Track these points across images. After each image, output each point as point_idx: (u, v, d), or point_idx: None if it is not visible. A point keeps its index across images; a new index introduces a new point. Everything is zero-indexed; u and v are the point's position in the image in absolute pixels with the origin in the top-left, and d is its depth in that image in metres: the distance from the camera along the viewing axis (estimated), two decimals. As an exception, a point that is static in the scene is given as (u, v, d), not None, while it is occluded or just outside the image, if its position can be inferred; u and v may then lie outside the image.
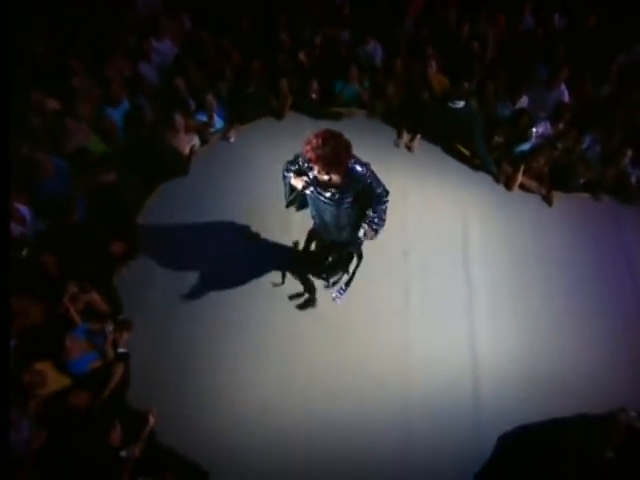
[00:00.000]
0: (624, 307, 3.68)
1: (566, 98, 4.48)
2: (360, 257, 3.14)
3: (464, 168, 4.28)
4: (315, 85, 4.44)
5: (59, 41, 4.10)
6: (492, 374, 3.28)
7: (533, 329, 3.50)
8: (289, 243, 3.62)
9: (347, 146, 2.26)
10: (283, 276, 3.50)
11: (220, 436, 2.94)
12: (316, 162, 2.22)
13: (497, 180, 4.22)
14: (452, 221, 3.95)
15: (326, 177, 2.32)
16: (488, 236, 3.91)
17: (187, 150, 4.08)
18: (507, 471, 2.83)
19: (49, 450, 2.57)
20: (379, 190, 2.47)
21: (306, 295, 3.46)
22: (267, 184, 3.85)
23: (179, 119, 3.95)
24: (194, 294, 3.43)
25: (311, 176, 2.42)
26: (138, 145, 3.78)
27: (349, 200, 2.50)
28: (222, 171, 4.09)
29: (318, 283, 3.51)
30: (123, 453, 2.55)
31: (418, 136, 4.38)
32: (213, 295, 3.44)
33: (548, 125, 4.31)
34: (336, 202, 2.51)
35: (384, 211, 2.57)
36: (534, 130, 4.18)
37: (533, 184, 4.18)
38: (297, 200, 2.73)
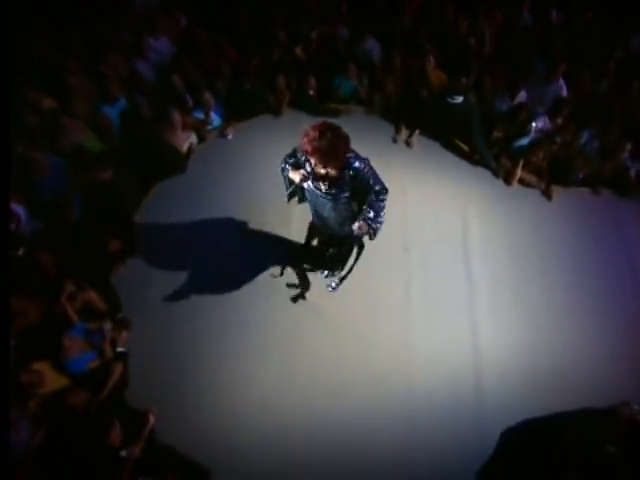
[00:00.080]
0: (624, 301, 3.67)
1: (564, 93, 4.48)
2: (361, 247, 3.08)
3: (463, 163, 4.27)
4: (312, 82, 4.43)
5: (55, 39, 4.07)
6: (494, 369, 3.27)
7: (534, 324, 3.49)
8: (288, 239, 3.60)
9: (345, 140, 2.24)
10: (282, 270, 3.48)
11: (221, 435, 2.91)
12: (313, 154, 2.19)
13: (496, 175, 4.21)
14: (452, 216, 3.94)
15: (323, 170, 2.29)
16: (488, 231, 3.90)
17: (185, 148, 4.06)
18: (510, 467, 2.82)
19: (49, 450, 2.55)
20: (377, 187, 2.44)
21: (299, 290, 3.44)
22: (265, 181, 3.84)
23: (176, 116, 3.93)
24: (193, 292, 3.40)
25: (309, 169, 2.40)
26: (135, 143, 3.76)
27: (347, 195, 2.47)
28: (220, 169, 4.06)
29: (318, 281, 3.49)
30: (123, 453, 2.53)
31: (417, 132, 4.37)
32: (212, 293, 3.42)
33: (547, 120, 4.31)
34: (334, 196, 2.48)
35: (382, 208, 2.49)
36: (533, 124, 4.16)
37: (532, 179, 4.17)
38: (297, 193, 2.70)
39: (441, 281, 3.60)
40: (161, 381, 3.04)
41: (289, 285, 3.45)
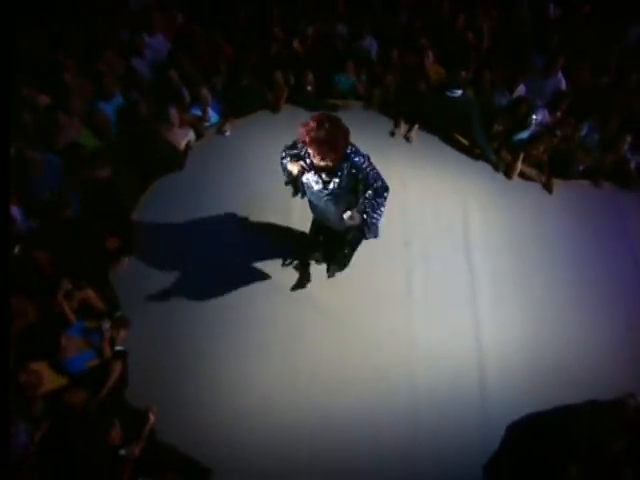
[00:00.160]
0: (626, 293, 3.65)
1: (563, 86, 4.46)
2: (360, 240, 2.95)
3: (463, 157, 4.25)
4: (310, 77, 4.40)
5: (50, 36, 4.03)
6: (497, 364, 3.24)
7: (537, 317, 3.46)
8: (289, 235, 3.57)
9: (344, 132, 2.20)
10: (284, 262, 3.46)
11: (221, 433, 2.88)
12: (310, 145, 2.16)
13: (497, 169, 4.19)
14: (452, 210, 3.92)
15: (322, 163, 2.25)
16: (489, 225, 3.88)
17: (182, 145, 4.03)
18: (516, 461, 2.78)
19: (48, 450, 2.51)
20: (377, 184, 2.39)
21: (298, 283, 3.41)
22: (264, 178, 3.81)
23: (174, 113, 3.91)
24: (192, 290, 3.37)
25: (308, 162, 2.36)
26: (133, 140, 3.73)
27: (345, 189, 2.43)
28: (218, 165, 4.03)
29: (319, 276, 3.45)
30: (122, 452, 2.49)
31: (416, 126, 4.35)
32: (212, 291, 3.38)
33: (546, 113, 4.29)
34: (332, 190, 2.45)
35: (379, 205, 2.38)
36: (534, 117, 4.15)
37: (533, 172, 4.15)
38: (295, 186, 2.65)
39: (442, 276, 3.58)
40: (161, 380, 3.00)
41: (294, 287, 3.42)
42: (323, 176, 2.40)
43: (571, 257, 3.79)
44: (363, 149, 2.39)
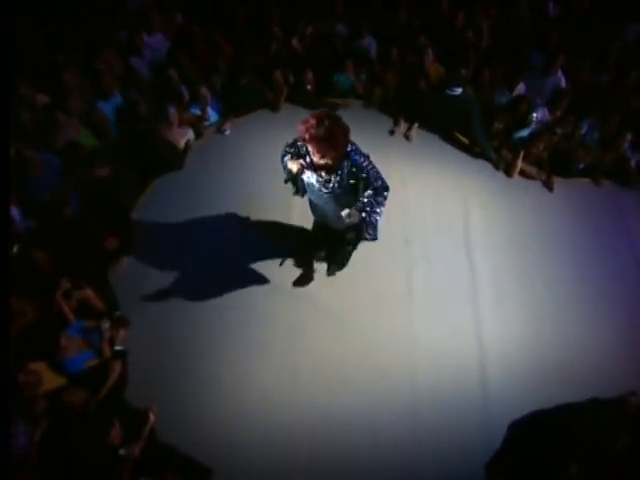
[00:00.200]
0: (627, 291, 3.64)
1: (563, 84, 4.46)
2: (358, 240, 2.92)
3: (463, 156, 4.25)
4: (310, 76, 4.39)
5: (49, 36, 4.02)
6: (499, 362, 3.22)
7: (538, 316, 3.45)
8: (289, 234, 3.56)
9: (344, 130, 2.19)
10: (283, 261, 3.45)
11: (221, 432, 2.86)
12: (309, 142, 2.15)
13: (497, 167, 4.18)
14: (453, 209, 3.91)
15: (322, 161, 2.24)
16: (490, 223, 3.87)
17: (182, 144, 4.02)
18: (518, 460, 2.77)
19: (48, 450, 2.49)
20: (377, 183, 2.37)
21: (298, 281, 3.41)
22: (264, 177, 3.80)
23: (173, 112, 3.90)
24: (192, 289, 3.35)
25: (308, 160, 2.35)
26: (132, 139, 3.72)
27: (346, 188, 2.42)
28: (218, 164, 4.02)
29: (319, 275, 3.44)
30: (121, 451, 2.47)
31: (415, 125, 4.34)
32: (212, 290, 3.36)
33: (546, 111, 4.29)
34: (332, 189, 2.43)
35: (379, 204, 2.35)
36: (534, 115, 4.14)
37: (533, 170, 4.15)
38: (294, 183, 2.64)
39: (443, 274, 3.56)
40: (161, 379, 2.99)
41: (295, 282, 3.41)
42: (323, 174, 2.38)
43: (572, 255, 3.78)
44: (363, 148, 2.38)
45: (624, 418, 2.58)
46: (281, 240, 3.59)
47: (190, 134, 4.10)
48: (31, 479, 2.39)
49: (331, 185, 2.41)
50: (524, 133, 4.20)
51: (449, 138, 4.33)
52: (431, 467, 2.84)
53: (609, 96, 4.38)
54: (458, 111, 4.19)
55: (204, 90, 4.13)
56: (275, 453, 2.81)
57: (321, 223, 3.01)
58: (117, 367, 2.89)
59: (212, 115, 4.24)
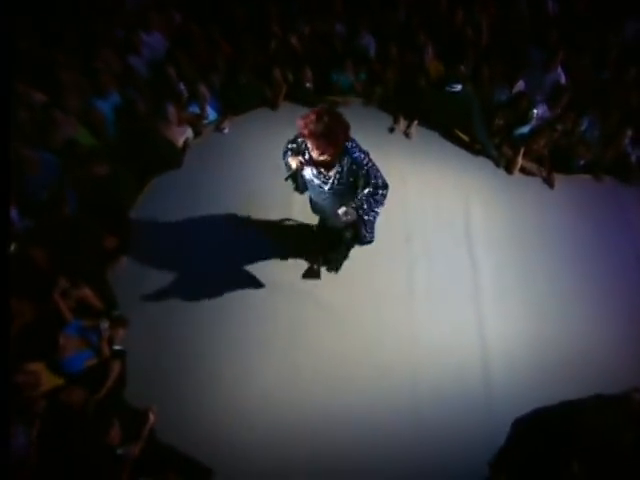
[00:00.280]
0: (629, 286, 3.63)
1: (563, 81, 4.44)
2: (355, 238, 2.88)
3: (464, 153, 4.23)
4: (309, 74, 4.38)
5: (47, 34, 4.00)
6: (501, 359, 3.21)
7: (540, 312, 3.44)
8: (289, 232, 3.54)
9: (344, 126, 2.17)
10: (283, 259, 3.44)
11: (221, 432, 2.84)
12: (309, 138, 2.13)
13: (498, 164, 4.17)
14: (453, 206, 3.90)
15: (321, 157, 2.22)
16: (491, 220, 3.86)
17: (180, 142, 4.01)
18: (521, 457, 2.74)
19: (48, 451, 2.47)
20: (376, 181, 2.35)
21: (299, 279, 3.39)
22: (263, 175, 3.79)
23: (172, 110, 3.88)
24: (191, 288, 3.33)
25: (307, 157, 2.33)
26: (130, 138, 3.70)
27: (345, 185, 2.40)
28: (217, 163, 4.00)
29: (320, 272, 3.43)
30: (120, 451, 2.44)
31: (415, 122, 4.32)
32: (211, 289, 3.35)
33: (546, 108, 4.27)
34: (331, 186, 2.41)
35: (378, 202, 2.35)
36: (535, 112, 4.12)
37: (534, 167, 4.14)
38: (294, 180, 2.62)
39: (445, 271, 3.55)
40: (160, 378, 2.97)
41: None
42: (322, 171, 2.37)
43: (573, 251, 3.77)
44: (363, 145, 2.36)
45: (628, 414, 2.56)
46: (281, 238, 3.57)
47: (189, 132, 4.08)
48: (31, 479, 2.37)
49: (330, 182, 2.39)
50: (524, 130, 4.19)
51: (449, 135, 4.32)
52: (433, 465, 2.82)
53: (609, 92, 4.37)
54: (458, 108, 4.17)
55: (203, 88, 4.12)
56: (276, 452, 2.79)
57: (320, 220, 3.00)
58: (116, 367, 2.87)
59: (211, 113, 4.23)
